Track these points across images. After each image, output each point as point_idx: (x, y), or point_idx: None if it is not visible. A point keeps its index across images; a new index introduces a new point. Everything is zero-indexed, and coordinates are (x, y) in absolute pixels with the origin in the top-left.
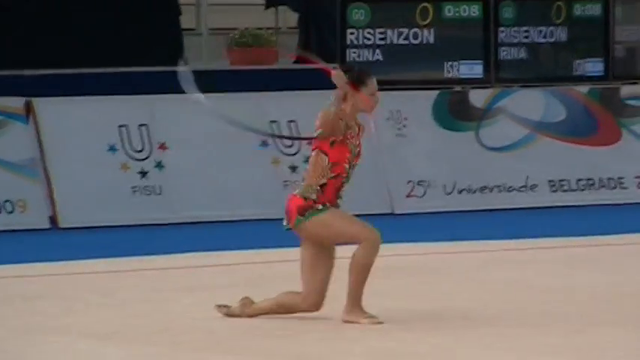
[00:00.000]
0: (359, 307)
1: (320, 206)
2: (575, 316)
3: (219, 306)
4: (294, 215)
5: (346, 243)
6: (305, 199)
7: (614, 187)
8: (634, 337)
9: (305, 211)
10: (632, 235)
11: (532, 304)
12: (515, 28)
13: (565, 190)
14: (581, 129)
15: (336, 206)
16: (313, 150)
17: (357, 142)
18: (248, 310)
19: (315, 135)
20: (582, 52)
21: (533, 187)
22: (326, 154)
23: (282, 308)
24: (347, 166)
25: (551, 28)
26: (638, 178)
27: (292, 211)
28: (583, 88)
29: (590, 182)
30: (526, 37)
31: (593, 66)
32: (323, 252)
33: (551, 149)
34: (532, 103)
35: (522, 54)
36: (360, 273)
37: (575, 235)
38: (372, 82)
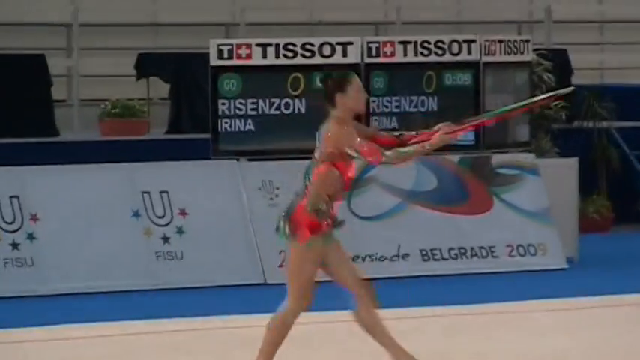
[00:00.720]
0: None
1: (327, 233)
2: None
3: None
4: (307, 234)
5: (286, 280)
6: (317, 212)
7: (486, 256)
8: None
9: (315, 231)
10: (502, 304)
11: None
12: (387, 98)
13: (437, 259)
14: (453, 198)
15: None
16: (322, 163)
17: None
18: None
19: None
20: (453, 121)
21: (405, 256)
22: (337, 168)
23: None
24: (352, 176)
25: (422, 97)
26: (509, 247)
27: (302, 225)
28: (454, 157)
29: (462, 251)
30: (397, 106)
31: (464, 135)
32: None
33: (423, 218)
34: (403, 172)
35: (394, 123)
36: (279, 331)
37: (446, 304)
38: (356, 79)
